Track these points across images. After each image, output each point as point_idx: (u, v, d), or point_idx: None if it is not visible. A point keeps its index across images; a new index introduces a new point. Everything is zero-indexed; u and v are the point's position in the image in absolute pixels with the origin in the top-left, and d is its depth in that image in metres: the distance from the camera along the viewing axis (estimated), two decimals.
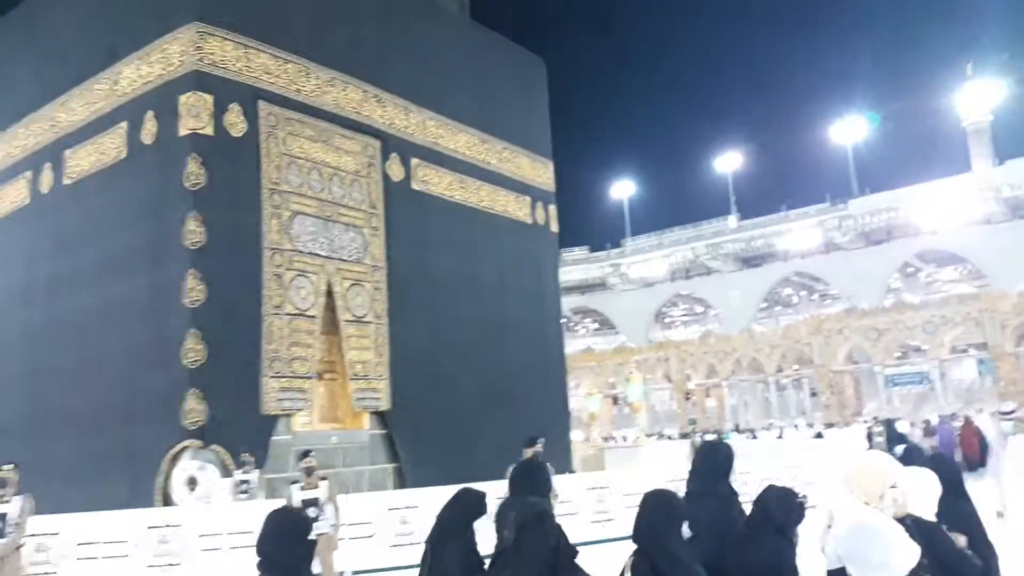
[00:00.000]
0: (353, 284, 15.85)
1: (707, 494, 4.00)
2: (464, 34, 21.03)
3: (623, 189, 73.18)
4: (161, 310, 13.70)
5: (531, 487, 4.52)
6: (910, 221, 52.85)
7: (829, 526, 3.68)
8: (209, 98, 14.06)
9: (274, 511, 3.36)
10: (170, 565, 10.24)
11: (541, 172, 22.24)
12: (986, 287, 48.21)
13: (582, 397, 50.03)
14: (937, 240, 51.93)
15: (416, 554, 10.85)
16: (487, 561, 3.67)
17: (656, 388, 54.65)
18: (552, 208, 22.41)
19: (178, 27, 14.34)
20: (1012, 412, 7.43)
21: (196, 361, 13.14)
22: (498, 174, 20.45)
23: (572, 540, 3.43)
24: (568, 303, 60.06)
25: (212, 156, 13.89)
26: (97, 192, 15.40)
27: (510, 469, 9.14)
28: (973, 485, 4.57)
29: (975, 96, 55.98)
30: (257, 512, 10.77)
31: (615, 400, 55.70)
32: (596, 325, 70.41)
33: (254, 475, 12.04)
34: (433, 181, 18.28)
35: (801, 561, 3.75)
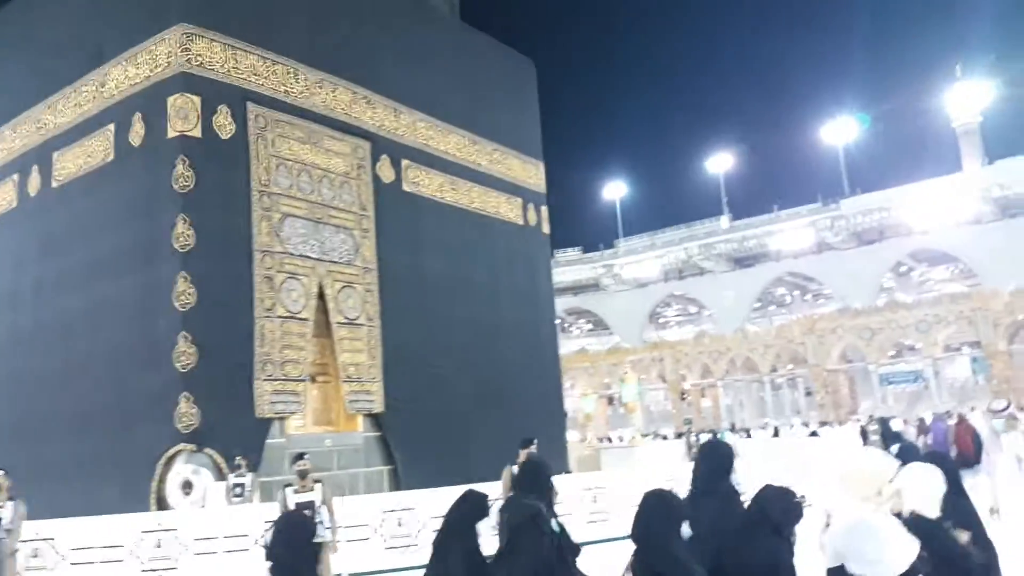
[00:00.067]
0: (344, 286, 15.78)
1: (708, 493, 3.97)
2: (454, 35, 21.00)
3: (615, 190, 73.29)
4: (151, 313, 13.60)
5: (535, 486, 4.49)
6: (902, 221, 53.05)
7: (827, 524, 3.64)
8: (197, 100, 13.98)
9: (283, 515, 3.39)
10: (165, 569, 10.15)
11: (532, 173, 22.22)
12: (977, 286, 48.41)
13: (577, 398, 50.04)
14: (929, 240, 52.14)
15: (413, 556, 10.85)
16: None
17: (651, 388, 54.69)
18: (544, 209, 22.40)
19: (165, 28, 14.26)
20: (1004, 410, 7.44)
21: (188, 364, 13.05)
22: (489, 175, 20.42)
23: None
24: (562, 304, 60.07)
25: (201, 158, 13.80)
26: (85, 195, 15.29)
27: (505, 470, 9.12)
28: (968, 482, 4.54)
29: (965, 97, 56.27)
30: (251, 515, 10.73)
31: (610, 401, 55.72)
32: (590, 326, 70.45)
33: (248, 478, 11.96)
34: (424, 183, 18.23)
35: (799, 560, 3.71)
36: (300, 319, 14.81)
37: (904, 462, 3.85)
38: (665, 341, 59.00)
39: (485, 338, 18.96)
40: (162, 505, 12.49)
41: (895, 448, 7.93)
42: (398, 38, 18.15)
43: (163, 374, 13.14)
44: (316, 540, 7.82)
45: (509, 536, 3.26)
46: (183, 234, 13.38)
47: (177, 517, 10.86)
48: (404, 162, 17.75)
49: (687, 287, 63.53)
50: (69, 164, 15.77)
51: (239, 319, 13.87)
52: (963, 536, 3.63)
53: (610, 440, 37.56)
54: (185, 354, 13.04)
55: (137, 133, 14.40)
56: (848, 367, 47.78)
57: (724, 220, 63.46)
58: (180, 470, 12.67)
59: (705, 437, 24.30)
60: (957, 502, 3.96)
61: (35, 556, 9.60)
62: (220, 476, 12.56)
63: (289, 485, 8.94)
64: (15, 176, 17.00)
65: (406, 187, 17.74)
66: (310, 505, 8.54)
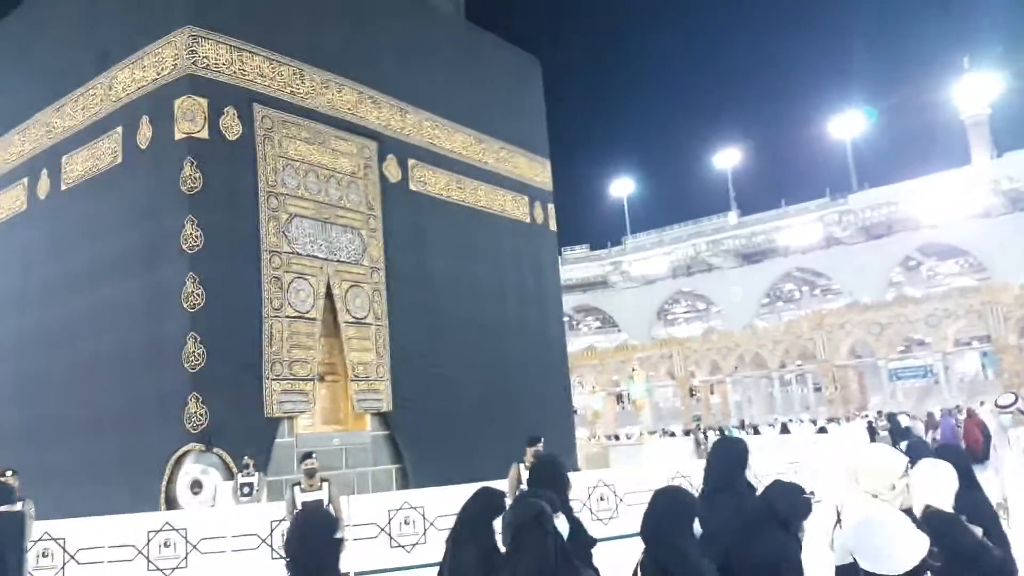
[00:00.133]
0: (352, 286, 15.82)
1: (723, 490, 3.98)
2: (459, 34, 21.02)
3: (622, 187, 73.31)
4: (160, 314, 13.68)
5: (551, 482, 4.52)
6: (910, 215, 52.89)
7: (838, 522, 3.64)
8: (204, 102, 14.04)
9: (301, 512, 3.40)
10: (174, 569, 10.22)
11: (539, 171, 22.23)
12: (987, 280, 48.22)
13: (586, 395, 50.05)
14: (937, 233, 51.98)
15: (420, 555, 10.89)
16: None
17: (660, 385, 54.72)
18: (551, 207, 22.40)
19: (171, 31, 14.31)
20: (1010, 405, 7.40)
21: (196, 365, 13.12)
22: (495, 174, 20.44)
23: None
24: (570, 301, 60.08)
25: (208, 160, 13.86)
26: (94, 197, 15.37)
27: (512, 467, 9.15)
28: (977, 477, 4.54)
29: (973, 89, 55.99)
30: (259, 515, 10.79)
31: (619, 398, 55.74)
32: (598, 323, 70.47)
33: (256, 478, 12.01)
34: (430, 182, 18.26)
35: (808, 556, 3.72)
36: (308, 319, 14.86)
37: (914, 458, 3.85)
38: (674, 338, 58.96)
39: (493, 336, 18.99)
40: (171, 505, 12.57)
41: (904, 444, 7.93)
42: (403, 38, 18.18)
43: (172, 374, 13.21)
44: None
45: (513, 535, 3.27)
46: (191, 235, 13.45)
47: (185, 517, 10.92)
48: (411, 161, 17.78)
49: (695, 283, 63.52)
50: (77, 167, 15.86)
51: (247, 319, 13.93)
52: (976, 531, 3.64)
53: (618, 438, 37.55)
54: (194, 354, 13.11)
55: (144, 135, 14.48)
56: (857, 362, 47.67)
57: (732, 216, 63.39)
58: (189, 470, 12.75)
59: (712, 434, 24.31)
60: (971, 496, 3.96)
61: (44, 556, 9.68)
62: (229, 476, 12.64)
63: (297, 484, 8.99)
64: (25, 179, 17.10)
65: (413, 186, 17.77)
66: (318, 504, 8.59)
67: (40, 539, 9.59)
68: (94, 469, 13.87)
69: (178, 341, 13.18)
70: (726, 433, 28.88)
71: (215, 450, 12.95)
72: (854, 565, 3.38)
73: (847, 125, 61.72)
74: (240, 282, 14.00)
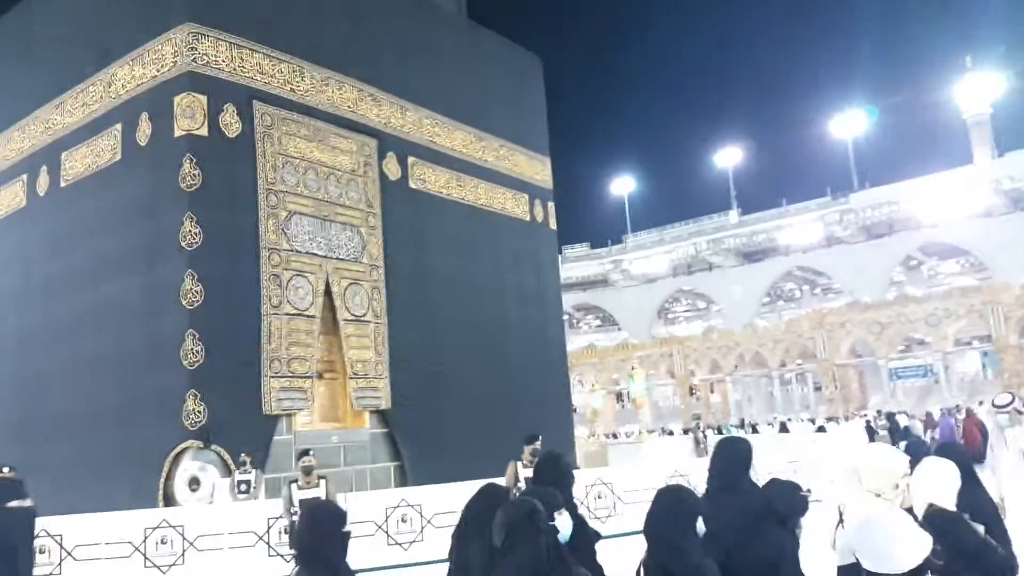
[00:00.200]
0: (351, 283, 15.82)
1: (727, 490, 3.98)
2: (459, 32, 21.00)
3: (623, 185, 73.23)
4: (159, 311, 13.69)
5: (555, 479, 4.51)
6: (911, 214, 52.85)
7: (840, 522, 3.64)
8: (203, 99, 14.04)
9: (310, 505, 3.41)
10: (171, 566, 10.23)
11: (539, 169, 22.22)
12: (988, 280, 48.20)
13: (585, 394, 50.03)
14: (938, 233, 51.94)
15: (418, 552, 10.87)
16: None
17: (660, 384, 54.71)
18: (551, 205, 22.39)
19: (171, 28, 14.31)
20: (1007, 405, 7.40)
21: (196, 362, 13.13)
22: (495, 172, 20.42)
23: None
24: (570, 300, 60.08)
25: (207, 157, 13.87)
26: (93, 194, 15.38)
27: (509, 465, 9.15)
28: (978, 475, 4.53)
29: (975, 89, 55.90)
30: (256, 512, 10.80)
31: (619, 396, 55.75)
32: (598, 322, 70.46)
33: (253, 475, 12.03)
34: (430, 179, 18.25)
35: (808, 555, 3.73)
36: (307, 316, 14.87)
37: (913, 458, 3.85)
38: (674, 336, 58.97)
39: (492, 334, 18.99)
40: (170, 502, 12.57)
41: (903, 444, 7.94)
42: (403, 35, 18.16)
43: (171, 372, 13.22)
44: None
45: (505, 534, 3.27)
46: (190, 232, 13.46)
47: (182, 514, 10.93)
48: (410, 159, 17.78)
49: (696, 282, 63.51)
50: (77, 164, 15.86)
51: (246, 317, 13.94)
52: (979, 529, 3.63)
53: (615, 436, 37.56)
54: (192, 352, 13.12)
55: (144, 132, 14.48)
56: (858, 362, 47.67)
57: (733, 215, 63.34)
58: (187, 467, 12.76)
59: (711, 433, 24.31)
60: (973, 493, 3.96)
61: (42, 553, 9.68)
62: (227, 473, 12.66)
63: (294, 481, 9.00)
64: (24, 176, 17.11)
65: (412, 184, 17.76)
66: (314, 501, 8.59)
67: (37, 536, 9.58)
68: (93, 466, 13.89)
69: (177, 338, 13.20)
70: (724, 432, 28.90)
71: (213, 447, 12.96)
72: (856, 565, 3.38)
73: (848, 124, 61.64)
74: (239, 279, 14.01)
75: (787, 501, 3.73)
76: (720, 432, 29.13)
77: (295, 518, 8.59)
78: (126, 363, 14.02)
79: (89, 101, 15.79)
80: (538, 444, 8.92)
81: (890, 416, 21.28)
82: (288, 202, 14.95)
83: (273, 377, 14.09)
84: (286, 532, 9.80)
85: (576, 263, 66.52)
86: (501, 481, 8.53)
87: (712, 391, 53.95)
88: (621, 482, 12.79)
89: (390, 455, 16.04)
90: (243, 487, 11.83)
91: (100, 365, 14.48)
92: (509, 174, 20.91)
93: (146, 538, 10.22)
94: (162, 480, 12.74)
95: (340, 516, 3.29)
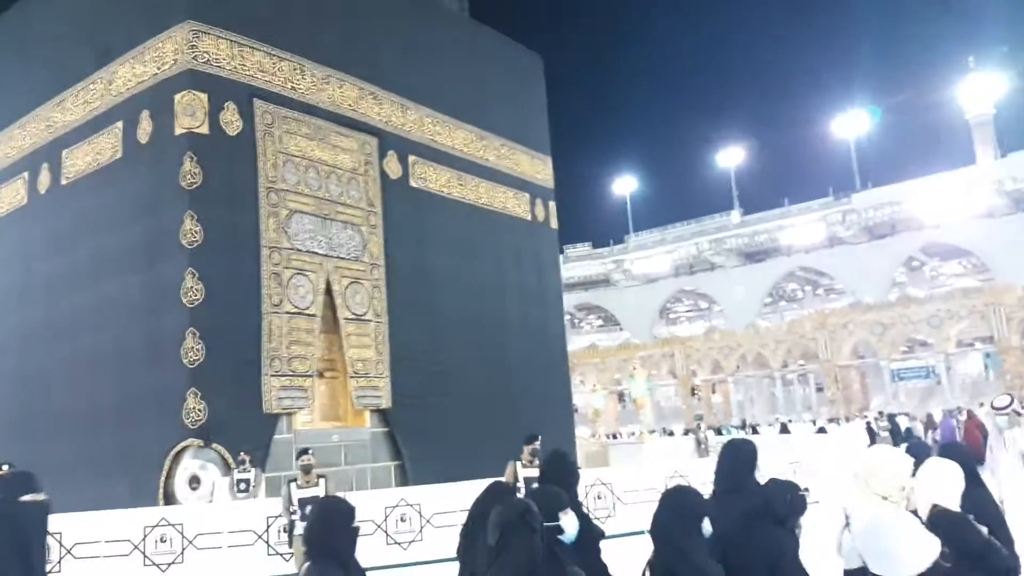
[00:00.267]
0: (352, 282, 15.81)
1: (732, 491, 3.97)
2: (460, 31, 21.00)
3: (625, 185, 73.15)
4: (160, 309, 13.68)
5: (560, 478, 4.51)
6: (914, 215, 52.78)
7: (846, 525, 3.62)
8: (204, 97, 14.03)
9: (321, 500, 3.46)
10: (170, 564, 10.22)
11: (540, 168, 22.20)
12: (991, 281, 48.13)
13: (587, 394, 50.02)
14: (941, 234, 51.86)
15: (417, 551, 10.82)
16: None
17: (661, 384, 54.69)
18: (552, 204, 22.38)
19: (171, 26, 14.31)
20: (1006, 407, 7.37)
21: (196, 360, 13.12)
22: (496, 171, 20.41)
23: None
24: (572, 300, 60.11)
25: (208, 155, 13.85)
26: (94, 192, 15.38)
27: (508, 465, 9.13)
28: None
29: (978, 89, 55.81)
30: (255, 511, 10.79)
31: (620, 396, 55.71)
32: (600, 321, 70.43)
33: (252, 474, 12.03)
34: (431, 178, 18.24)
35: (804, 554, 3.71)
36: (308, 315, 14.85)
37: (916, 459, 3.83)
38: (676, 337, 58.93)
39: (493, 334, 18.97)
40: (170, 500, 12.57)
41: (904, 446, 7.90)
42: (404, 34, 18.15)
43: (171, 370, 13.21)
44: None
45: (500, 534, 3.26)
46: (191, 230, 13.45)
47: (181, 512, 10.92)
48: (411, 158, 17.76)
49: (697, 282, 63.46)
50: (78, 161, 15.86)
51: (247, 315, 13.93)
52: (982, 530, 3.61)
53: (615, 436, 37.54)
54: (193, 350, 13.11)
55: (145, 130, 14.47)
56: (860, 363, 47.59)
57: (735, 215, 63.28)
58: (188, 465, 12.75)
59: (711, 433, 24.26)
60: (976, 494, 3.94)
61: None
62: (228, 471, 12.65)
63: (293, 480, 8.99)
64: (25, 174, 17.11)
65: (413, 183, 17.75)
66: (314, 500, 8.58)
67: None
68: (93, 464, 13.88)
69: (177, 336, 13.19)
70: (723, 433, 28.86)
71: (213, 446, 12.95)
72: (864, 569, 3.36)
73: (851, 124, 61.53)
74: (240, 278, 13.99)
75: (785, 501, 3.72)
76: (719, 433, 29.08)
77: (294, 517, 8.59)
78: (127, 361, 14.01)
79: (90, 99, 15.79)
80: (537, 444, 8.91)
81: (891, 417, 21.23)
82: (289, 200, 14.93)
83: (273, 376, 14.09)
84: (285, 531, 9.79)
85: (578, 263, 66.49)
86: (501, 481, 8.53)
87: (714, 391, 53.90)
88: (621, 483, 12.77)
89: (391, 454, 16.03)
90: (242, 486, 11.83)
91: (101, 363, 14.47)
92: (510, 173, 20.90)
93: (145, 536, 10.22)
94: (162, 478, 12.73)
95: (350, 512, 3.33)
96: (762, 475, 4.14)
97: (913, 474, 3.58)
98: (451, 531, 10.49)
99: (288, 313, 14.50)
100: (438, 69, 18.94)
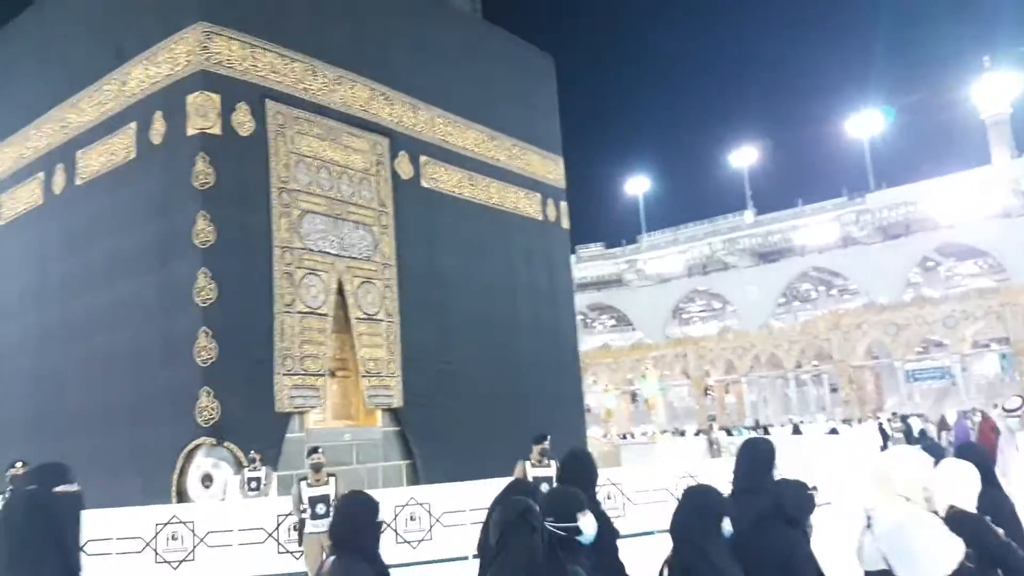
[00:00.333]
0: (364, 282, 15.87)
1: (751, 491, 3.97)
2: (470, 31, 21.03)
3: (638, 185, 72.93)
4: (172, 309, 13.79)
5: (579, 477, 4.52)
6: (928, 215, 52.38)
7: (868, 526, 3.61)
8: (216, 97, 14.12)
9: (346, 495, 3.51)
10: (181, 561, 10.29)
11: (551, 168, 22.20)
12: (1006, 281, 47.74)
13: (600, 394, 49.97)
14: (956, 234, 51.44)
15: (426, 551, 10.79)
16: None
17: (674, 384, 54.53)
18: (563, 204, 22.38)
19: (184, 27, 14.41)
20: (1017, 409, 7.33)
21: (208, 359, 13.21)
22: (507, 171, 20.43)
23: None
24: (584, 299, 60.03)
25: (221, 155, 13.95)
26: (108, 192, 15.51)
27: (517, 465, 9.14)
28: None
29: (993, 88, 55.34)
30: (266, 509, 10.85)
31: (633, 396, 55.60)
32: (613, 321, 70.28)
33: (262, 472, 12.09)
34: (442, 178, 18.28)
35: (821, 555, 3.71)
36: (319, 314, 14.92)
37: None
38: (689, 337, 58.74)
39: (504, 334, 19.00)
40: (182, 498, 12.66)
41: (918, 447, 7.86)
42: (415, 34, 18.20)
43: (184, 369, 13.31)
44: (322, 529, 7.96)
45: (500, 533, 3.28)
46: (203, 230, 13.53)
47: (192, 510, 10.99)
48: (422, 158, 17.81)
49: (711, 282, 63.19)
50: (92, 162, 15.99)
51: (259, 314, 14.01)
52: (999, 531, 3.60)
53: (626, 436, 37.47)
54: (205, 349, 13.20)
55: (158, 131, 14.57)
56: (874, 363, 47.31)
57: (748, 215, 62.97)
58: (200, 463, 12.84)
59: (722, 434, 24.20)
60: (992, 495, 3.92)
61: None
62: (240, 470, 12.72)
63: (303, 479, 9.02)
64: (41, 174, 17.27)
65: (425, 183, 17.80)
66: (324, 499, 8.62)
67: None
68: (107, 461, 13.97)
69: (190, 335, 13.28)
70: (734, 434, 28.75)
71: (226, 444, 13.03)
72: (886, 572, 3.34)
73: (865, 124, 61.11)
74: (252, 277, 14.08)
75: (797, 501, 3.73)
76: (730, 434, 28.97)
77: (304, 515, 8.62)
78: (140, 360, 14.13)
79: (104, 100, 15.92)
80: (546, 444, 8.91)
81: (903, 419, 21.10)
82: (301, 200, 15.00)
83: (286, 375, 14.16)
84: (295, 529, 9.83)
85: (590, 263, 66.38)
86: (507, 481, 8.54)
87: (727, 392, 53.72)
88: (631, 483, 12.76)
89: (402, 453, 16.08)
90: (253, 484, 11.90)
91: (115, 362, 14.59)
92: (521, 173, 20.91)
93: (157, 534, 10.29)
94: (175, 476, 12.82)
95: (374, 506, 3.37)
96: (780, 474, 4.15)
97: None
98: (460, 530, 10.59)
99: (300, 313, 14.57)
100: (449, 69, 18.98)
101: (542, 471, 8.32)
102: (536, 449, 8.80)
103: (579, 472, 4.67)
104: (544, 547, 3.20)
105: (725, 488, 3.97)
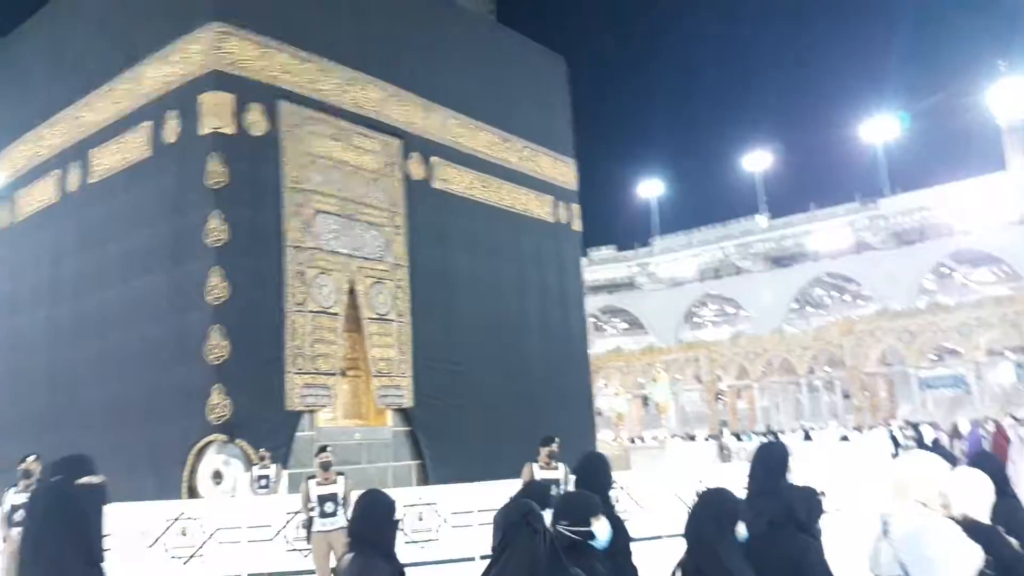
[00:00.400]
0: (375, 282, 15.92)
1: (766, 494, 3.97)
2: (484, 33, 21.08)
3: (650, 188, 72.66)
4: (185, 307, 13.88)
5: (594, 480, 4.52)
6: (943, 221, 52.02)
7: (885, 532, 3.59)
8: (230, 97, 14.21)
9: (364, 493, 3.54)
10: (190, 557, 10.35)
11: (563, 171, 22.21)
12: (1022, 288, 47.31)
13: (611, 397, 49.88)
14: (971, 240, 51.03)
15: (434, 551, 10.79)
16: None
17: (686, 389, 54.33)
18: (575, 207, 22.38)
19: (198, 27, 14.52)
20: None
21: (220, 357, 13.29)
22: (519, 173, 20.46)
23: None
24: (596, 302, 59.92)
25: (234, 155, 14.04)
26: (122, 190, 15.63)
27: (525, 467, 9.14)
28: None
29: (1009, 93, 54.88)
30: (274, 506, 10.89)
31: (644, 400, 55.45)
32: (625, 325, 70.05)
33: (272, 470, 12.14)
34: (454, 180, 18.32)
35: (834, 562, 3.71)
36: (331, 314, 14.98)
37: None
38: (701, 341, 58.51)
39: (514, 335, 19.02)
40: (193, 494, 12.74)
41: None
42: (428, 35, 18.25)
43: (196, 367, 13.39)
44: (332, 528, 8.00)
45: (502, 535, 3.28)
46: (216, 229, 13.62)
47: (202, 506, 11.05)
48: (434, 159, 17.86)
49: (723, 287, 62.93)
50: (106, 161, 16.11)
51: (271, 313, 14.09)
52: (1012, 542, 3.58)
53: (637, 440, 37.38)
54: (217, 347, 13.27)
55: (172, 130, 14.68)
56: (887, 370, 46.99)
57: (761, 219, 62.67)
58: (211, 460, 12.91)
59: (732, 439, 24.13)
60: (1007, 505, 3.90)
61: None
62: (250, 467, 12.77)
63: (312, 477, 9.05)
64: (56, 172, 17.41)
65: (436, 184, 17.84)
66: (332, 497, 8.64)
67: None
68: (119, 458, 13.94)
69: (202, 334, 13.37)
70: (743, 439, 28.65)
71: (237, 442, 13.10)
72: None
73: (879, 128, 60.67)
74: (264, 277, 14.16)
75: (806, 506, 3.72)
76: (739, 439, 28.87)
77: (312, 513, 8.65)
78: (153, 357, 14.22)
79: (118, 99, 16.04)
80: (555, 446, 8.89)
81: (915, 427, 20.97)
82: (313, 201, 15.08)
83: (297, 373, 14.22)
84: (303, 527, 9.87)
85: (602, 265, 66.24)
86: (518, 483, 8.54)
87: (739, 397, 53.49)
88: (637, 487, 12.71)
89: (412, 454, 16.11)
90: (262, 482, 11.95)
91: (128, 359, 14.70)
92: (533, 175, 20.93)
93: (166, 529, 10.34)
94: (186, 473, 12.89)
95: (391, 505, 3.41)
96: (794, 478, 4.14)
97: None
98: (468, 531, 10.59)
99: (312, 312, 14.63)
100: (462, 71, 19.02)
101: (550, 473, 8.30)
102: (544, 451, 8.77)
103: (594, 476, 4.66)
104: (546, 550, 3.21)
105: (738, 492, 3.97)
